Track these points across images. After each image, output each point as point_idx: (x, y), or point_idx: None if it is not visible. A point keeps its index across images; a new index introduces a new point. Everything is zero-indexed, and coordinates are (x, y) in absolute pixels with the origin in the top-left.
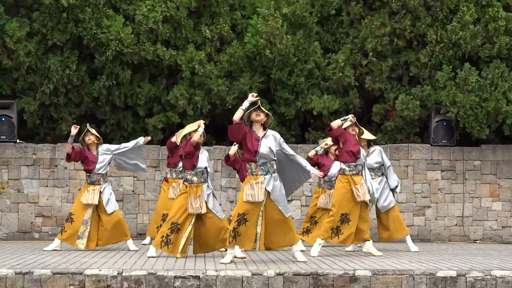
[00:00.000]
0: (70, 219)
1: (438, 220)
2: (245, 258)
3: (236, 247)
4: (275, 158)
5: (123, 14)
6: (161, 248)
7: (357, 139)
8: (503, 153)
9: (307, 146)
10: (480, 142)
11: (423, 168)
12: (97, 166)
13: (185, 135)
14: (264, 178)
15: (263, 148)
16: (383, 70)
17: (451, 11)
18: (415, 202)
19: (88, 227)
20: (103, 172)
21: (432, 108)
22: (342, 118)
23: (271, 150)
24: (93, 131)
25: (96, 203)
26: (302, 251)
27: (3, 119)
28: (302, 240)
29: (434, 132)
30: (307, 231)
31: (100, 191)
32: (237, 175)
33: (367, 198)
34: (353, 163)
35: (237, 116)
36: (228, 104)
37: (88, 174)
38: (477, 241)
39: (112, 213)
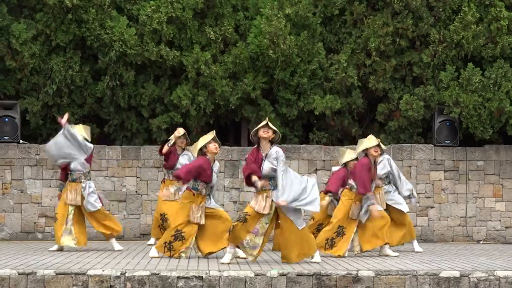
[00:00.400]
0: (55, 218)
1: (441, 221)
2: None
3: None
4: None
5: (127, 14)
6: (163, 253)
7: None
8: (507, 153)
9: (310, 146)
10: (483, 142)
11: (426, 168)
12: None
13: (200, 149)
14: (272, 193)
15: (265, 169)
16: (387, 70)
17: (454, 11)
18: (418, 203)
19: (70, 224)
20: (84, 171)
21: (435, 109)
22: None
23: (273, 169)
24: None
25: (79, 204)
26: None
27: (6, 119)
28: None
29: (437, 132)
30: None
31: (81, 189)
32: (240, 175)
33: (364, 218)
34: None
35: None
36: (232, 105)
37: (69, 172)
38: (480, 242)
39: (96, 210)
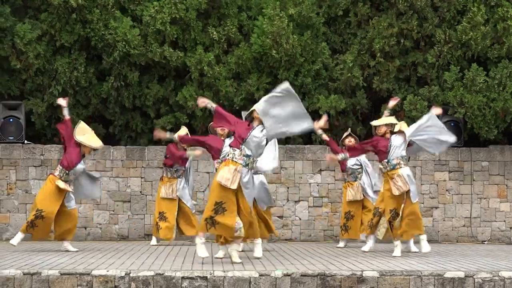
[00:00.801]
0: (41, 216)
1: (446, 221)
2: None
3: (234, 251)
4: (259, 155)
5: (131, 15)
6: (206, 230)
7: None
8: (511, 153)
9: (314, 147)
10: (488, 142)
11: (431, 168)
12: (79, 166)
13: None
14: (242, 169)
15: (251, 138)
16: (391, 71)
17: (459, 12)
18: (422, 203)
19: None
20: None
21: None
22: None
23: (259, 143)
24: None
25: (71, 190)
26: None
27: (11, 120)
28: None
29: None
30: (345, 228)
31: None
32: None
33: (406, 188)
34: (385, 160)
35: None
36: (236, 105)
37: (66, 171)
38: (485, 242)
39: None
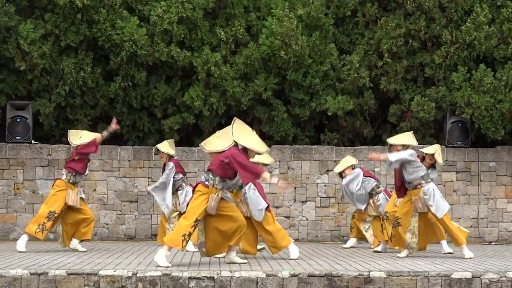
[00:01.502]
0: (54, 217)
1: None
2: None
3: (235, 257)
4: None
5: (138, 14)
6: (181, 247)
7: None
8: None
9: (322, 147)
10: (495, 143)
11: (438, 169)
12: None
13: None
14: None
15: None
16: (398, 71)
17: (466, 12)
18: None
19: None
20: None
21: (447, 109)
22: None
23: None
24: None
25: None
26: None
27: (18, 120)
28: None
29: (449, 133)
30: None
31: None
32: None
33: (424, 210)
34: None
35: None
36: (243, 106)
37: (74, 174)
38: (492, 243)
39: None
